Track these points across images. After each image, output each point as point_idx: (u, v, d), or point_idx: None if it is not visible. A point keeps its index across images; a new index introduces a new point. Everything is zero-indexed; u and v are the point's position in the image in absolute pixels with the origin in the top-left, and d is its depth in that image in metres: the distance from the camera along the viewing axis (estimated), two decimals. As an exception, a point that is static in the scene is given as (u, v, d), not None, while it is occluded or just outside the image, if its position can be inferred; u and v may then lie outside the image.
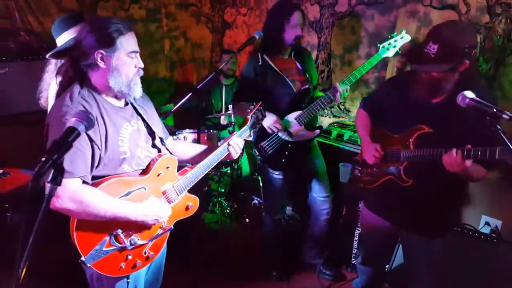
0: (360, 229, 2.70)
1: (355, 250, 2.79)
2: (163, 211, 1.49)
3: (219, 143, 3.28)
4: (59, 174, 0.91)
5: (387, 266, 2.57)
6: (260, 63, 2.30)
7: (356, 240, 2.78)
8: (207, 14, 4.43)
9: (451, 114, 1.57)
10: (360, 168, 2.09)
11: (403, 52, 2.26)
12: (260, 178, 3.41)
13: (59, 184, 0.92)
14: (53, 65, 1.89)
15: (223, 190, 3.50)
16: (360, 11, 3.07)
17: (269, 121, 2.30)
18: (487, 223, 2.62)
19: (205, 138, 2.97)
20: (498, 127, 1.19)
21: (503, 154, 1.28)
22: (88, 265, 1.35)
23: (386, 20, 2.90)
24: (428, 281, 1.98)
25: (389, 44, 2.20)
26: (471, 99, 1.29)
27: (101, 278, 1.47)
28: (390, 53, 2.21)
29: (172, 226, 1.58)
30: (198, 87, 2.25)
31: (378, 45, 2.23)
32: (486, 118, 1.23)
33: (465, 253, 2.17)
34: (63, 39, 1.92)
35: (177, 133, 3.03)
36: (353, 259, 2.82)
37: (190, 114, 3.75)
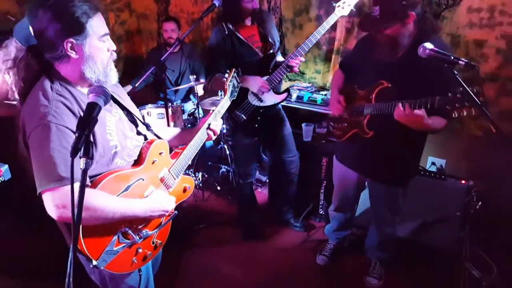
0: (325, 182, 2.95)
1: (322, 201, 3.03)
2: (168, 203, 1.46)
3: (183, 116, 3.32)
4: (91, 147, 0.92)
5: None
6: (226, 32, 2.31)
7: (322, 193, 3.02)
8: (149, -17, 4.23)
9: (411, 67, 1.74)
10: (333, 124, 2.26)
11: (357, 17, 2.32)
12: (226, 147, 3.50)
13: (92, 158, 0.92)
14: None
15: (190, 163, 3.52)
16: (308, -26, 3.13)
17: (257, 84, 2.33)
18: (433, 163, 2.97)
19: (170, 112, 2.94)
20: (455, 72, 1.35)
21: (443, 102, 1.47)
22: (102, 268, 1.29)
23: (334, -19, 3.00)
24: (390, 222, 2.26)
25: (344, 2, 2.25)
26: (431, 49, 1.43)
27: (114, 277, 1.44)
28: (346, 11, 2.26)
29: (176, 212, 1.55)
30: (162, 58, 2.21)
31: (334, 4, 2.28)
32: (443, 66, 1.40)
33: (418, 190, 2.44)
34: None
35: (139, 108, 2.96)
36: (320, 209, 3.07)
37: (145, 89, 3.66)
